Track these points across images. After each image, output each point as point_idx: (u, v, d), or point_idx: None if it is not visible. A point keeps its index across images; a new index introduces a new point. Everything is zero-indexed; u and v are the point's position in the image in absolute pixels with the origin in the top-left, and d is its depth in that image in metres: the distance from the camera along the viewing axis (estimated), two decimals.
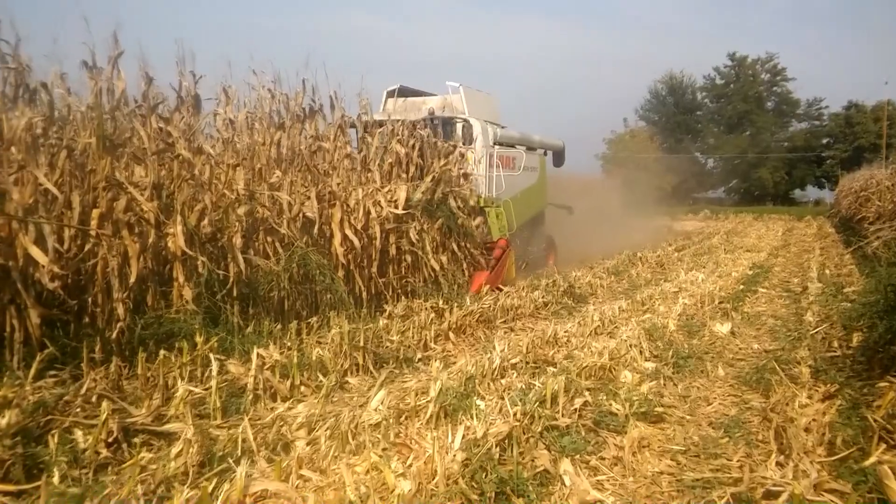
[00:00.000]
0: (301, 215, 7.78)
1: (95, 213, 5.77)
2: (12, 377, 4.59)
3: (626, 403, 4.96)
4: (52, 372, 4.90)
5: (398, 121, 10.27)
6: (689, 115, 64.97)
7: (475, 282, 10.25)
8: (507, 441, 4.04)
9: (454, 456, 3.72)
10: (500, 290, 10.13)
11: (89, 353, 5.19)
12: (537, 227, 15.32)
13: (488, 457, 3.77)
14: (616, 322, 8.22)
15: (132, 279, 5.78)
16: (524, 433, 4.22)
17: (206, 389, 5.01)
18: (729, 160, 61.01)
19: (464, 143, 11.78)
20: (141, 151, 6.31)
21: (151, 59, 6.58)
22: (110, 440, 4.14)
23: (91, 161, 5.95)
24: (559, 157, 17.16)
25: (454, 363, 6.49)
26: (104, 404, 4.25)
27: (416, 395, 4.94)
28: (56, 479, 3.66)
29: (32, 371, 4.66)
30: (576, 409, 4.76)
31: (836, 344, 6.80)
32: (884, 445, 4.11)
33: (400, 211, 8.99)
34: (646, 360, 6.37)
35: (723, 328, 8.01)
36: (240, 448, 4.15)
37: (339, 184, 8.52)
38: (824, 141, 61.78)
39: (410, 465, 3.72)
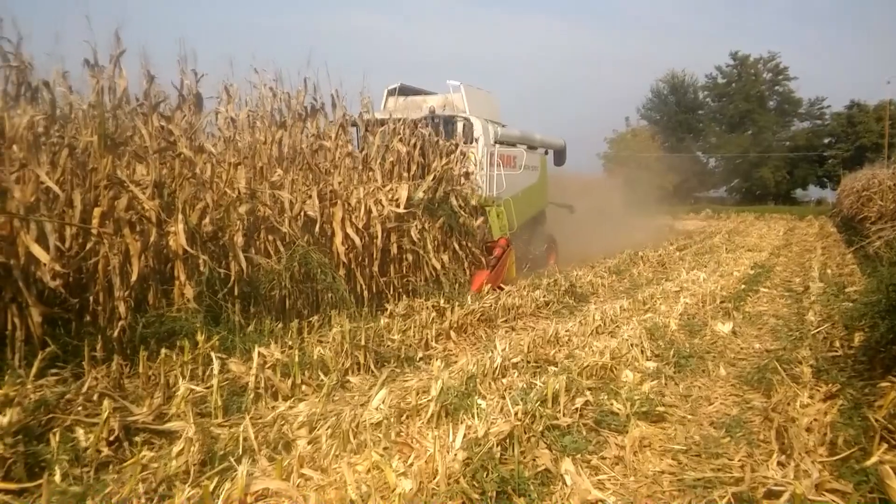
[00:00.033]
0: (302, 214, 7.78)
1: (97, 211, 5.78)
2: (14, 375, 4.60)
3: (628, 403, 4.95)
4: (54, 370, 4.90)
5: (399, 119, 10.27)
6: (690, 114, 64.90)
7: (476, 281, 10.25)
8: (508, 440, 4.03)
9: (455, 455, 3.71)
10: (502, 289, 10.13)
11: (90, 352, 5.19)
12: (538, 227, 15.31)
13: (489, 456, 3.77)
14: (617, 321, 8.22)
15: (133, 277, 5.78)
16: (525, 432, 4.21)
17: (207, 388, 5.01)
18: (731, 159, 60.96)
19: (465, 142, 11.77)
20: (142, 150, 6.31)
21: (153, 57, 6.59)
22: (111, 439, 4.14)
23: (93, 159, 5.95)
24: (560, 156, 17.14)
25: (455, 362, 6.48)
26: (105, 403, 4.25)
27: (418, 394, 4.94)
28: (57, 478, 3.67)
29: (34, 369, 4.66)
30: (577, 409, 4.75)
31: (837, 344, 6.79)
32: (885, 445, 4.11)
33: (401, 210, 8.99)
34: (647, 360, 6.36)
35: (724, 328, 8.01)
36: (241, 447, 4.15)
37: (340, 182, 8.52)
38: (826, 140, 61.71)
39: (411, 465, 3.72)
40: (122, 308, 5.71)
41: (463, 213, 10.48)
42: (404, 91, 12.69)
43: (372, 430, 4.32)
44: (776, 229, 27.68)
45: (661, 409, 5.12)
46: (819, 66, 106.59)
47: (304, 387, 5.57)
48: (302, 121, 8.76)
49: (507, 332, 8.35)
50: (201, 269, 6.34)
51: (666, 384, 5.87)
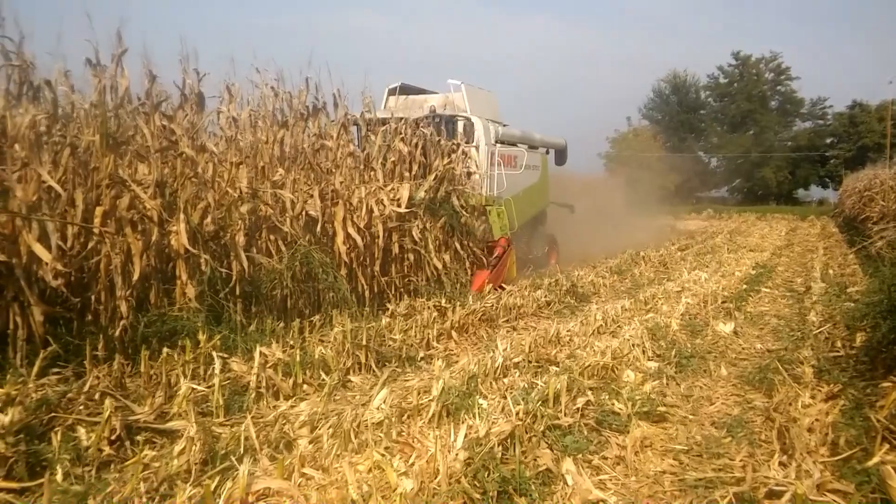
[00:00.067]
0: (304, 213, 7.79)
1: (99, 210, 5.78)
2: (15, 374, 4.61)
3: (629, 403, 4.95)
4: (55, 369, 4.91)
5: (401, 119, 10.27)
6: (692, 114, 64.82)
7: (476, 280, 10.25)
8: (509, 440, 4.03)
9: (456, 455, 3.72)
10: (503, 289, 10.13)
11: (92, 351, 5.20)
12: (539, 226, 15.30)
13: (491, 456, 3.77)
14: (619, 321, 8.21)
15: (135, 277, 5.78)
16: (526, 432, 4.21)
17: (208, 387, 5.02)
18: (732, 159, 60.88)
19: (466, 141, 11.77)
20: (144, 149, 6.31)
21: (154, 57, 6.58)
22: (113, 438, 4.15)
23: (94, 159, 5.96)
24: (561, 156, 17.12)
25: (456, 362, 6.49)
26: (107, 402, 4.26)
27: (419, 393, 4.94)
28: (59, 477, 3.68)
29: (35, 368, 4.67)
30: (578, 409, 4.75)
31: (839, 344, 6.78)
32: (887, 446, 4.11)
33: (403, 209, 8.99)
34: (648, 360, 6.36)
35: (726, 328, 8.00)
36: (242, 446, 4.15)
37: (342, 182, 8.52)
38: (828, 140, 61.61)
39: (413, 464, 3.72)
40: (123, 307, 5.72)
41: (464, 212, 10.48)
42: (405, 90, 12.68)
43: (373, 430, 4.33)
44: (778, 229, 27.64)
45: (663, 409, 5.12)
46: (820, 66, 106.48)
47: (305, 386, 5.57)
48: (304, 120, 8.76)
49: (508, 331, 8.35)
50: (203, 268, 6.35)
51: (667, 384, 5.86)
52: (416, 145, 10.22)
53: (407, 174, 9.88)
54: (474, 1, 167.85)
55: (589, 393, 5.06)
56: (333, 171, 8.64)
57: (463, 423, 4.19)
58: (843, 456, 4.09)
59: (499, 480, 3.60)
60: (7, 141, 5.37)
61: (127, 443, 4.19)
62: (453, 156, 10.77)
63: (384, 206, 8.77)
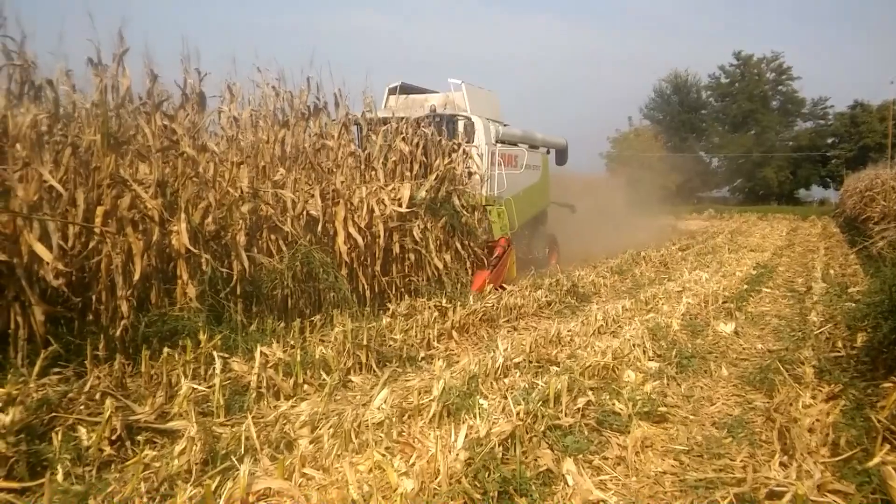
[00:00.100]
0: (305, 213, 7.79)
1: (100, 210, 5.79)
2: (16, 374, 4.61)
3: (630, 403, 4.95)
4: (56, 369, 4.91)
5: (401, 118, 10.27)
6: (693, 114, 64.79)
7: (476, 281, 10.25)
8: (510, 440, 4.03)
9: (457, 455, 3.72)
10: (503, 289, 10.13)
11: (93, 351, 5.20)
12: (540, 226, 15.29)
13: (491, 456, 3.77)
14: (619, 321, 8.21)
15: (136, 277, 5.79)
16: (527, 432, 4.21)
17: (209, 387, 5.02)
18: (733, 159, 60.85)
19: (466, 141, 11.76)
20: (145, 149, 6.31)
21: (156, 56, 6.58)
22: (114, 438, 4.15)
23: (96, 158, 5.96)
24: (562, 156, 17.11)
25: (457, 362, 6.49)
26: (108, 402, 4.26)
27: (419, 393, 4.94)
28: (60, 477, 3.68)
29: (36, 368, 4.67)
30: (579, 409, 4.75)
31: (840, 344, 6.78)
32: (888, 446, 4.10)
33: (403, 209, 8.99)
34: (649, 360, 6.35)
35: (726, 328, 8.00)
36: (243, 446, 4.16)
37: (342, 182, 8.52)
38: (829, 140, 61.57)
39: (413, 464, 3.72)
40: (124, 307, 5.72)
41: (465, 212, 10.48)
42: (405, 90, 12.67)
43: (374, 430, 4.32)
44: (779, 229, 27.62)
45: (663, 409, 5.12)
46: (822, 65, 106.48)
47: (305, 386, 5.58)
48: (305, 120, 8.76)
49: (508, 331, 8.35)
50: (204, 268, 6.35)
51: (668, 384, 5.86)
52: (417, 145, 10.22)
53: (408, 174, 9.88)
54: (476, 0, 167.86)
55: (589, 393, 5.06)
56: (334, 170, 8.64)
57: (463, 423, 4.19)
58: (843, 456, 4.09)
59: (499, 481, 3.61)
60: (8, 140, 5.37)
61: (127, 443, 4.19)
62: (454, 155, 10.77)
63: (385, 205, 8.77)
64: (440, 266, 9.59)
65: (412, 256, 9.38)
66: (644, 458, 4.35)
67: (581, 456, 4.20)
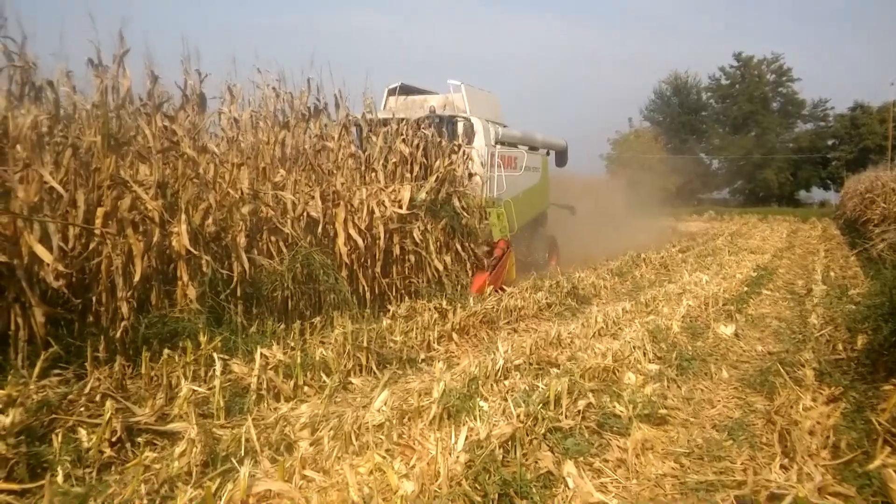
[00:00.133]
0: (305, 215, 7.79)
1: (100, 211, 5.78)
2: (16, 376, 4.60)
3: (630, 405, 4.94)
4: (56, 371, 4.90)
5: (402, 120, 10.27)
6: (693, 115, 64.85)
7: (476, 282, 10.25)
8: (510, 443, 4.03)
9: (457, 457, 3.71)
10: (503, 290, 10.13)
11: (93, 352, 5.20)
12: (539, 228, 15.28)
13: (491, 458, 3.77)
14: (619, 323, 8.20)
15: (136, 278, 5.78)
16: (527, 435, 4.21)
17: (209, 389, 5.01)
18: (734, 161, 60.91)
19: (466, 143, 11.75)
20: (146, 150, 6.31)
21: (156, 57, 6.58)
22: (114, 439, 4.15)
23: (96, 159, 5.96)
24: (562, 157, 17.12)
25: (457, 364, 6.49)
26: (108, 403, 4.26)
27: (420, 395, 4.93)
28: (60, 479, 3.67)
29: (36, 370, 4.66)
30: (579, 411, 4.75)
31: (840, 346, 6.78)
32: (888, 449, 4.10)
33: (404, 211, 8.99)
34: (649, 362, 6.35)
35: (727, 330, 8.00)
36: (243, 448, 4.15)
37: (343, 183, 8.52)
38: (830, 142, 61.64)
39: (413, 467, 3.71)
40: (124, 308, 5.72)
41: (465, 214, 10.48)
42: (405, 90, 12.67)
43: (374, 432, 4.32)
44: (779, 231, 27.63)
45: (664, 411, 5.11)
46: (822, 66, 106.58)
47: (306, 388, 5.57)
48: (305, 121, 8.76)
49: (509, 333, 8.35)
50: (204, 269, 6.34)
51: (668, 387, 5.86)
52: (418, 146, 10.22)
53: (408, 175, 9.88)
54: (476, 0, 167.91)
55: (590, 395, 5.05)
56: (335, 172, 8.64)
57: (464, 425, 4.19)
58: (844, 459, 4.09)
59: (500, 483, 3.60)
60: (9, 142, 5.37)
61: (128, 444, 4.19)
62: (454, 157, 10.77)
63: (385, 207, 8.77)
64: (440, 268, 9.59)
65: (412, 258, 9.37)
66: (644, 460, 4.35)
67: (581, 458, 4.20)
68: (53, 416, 4.25)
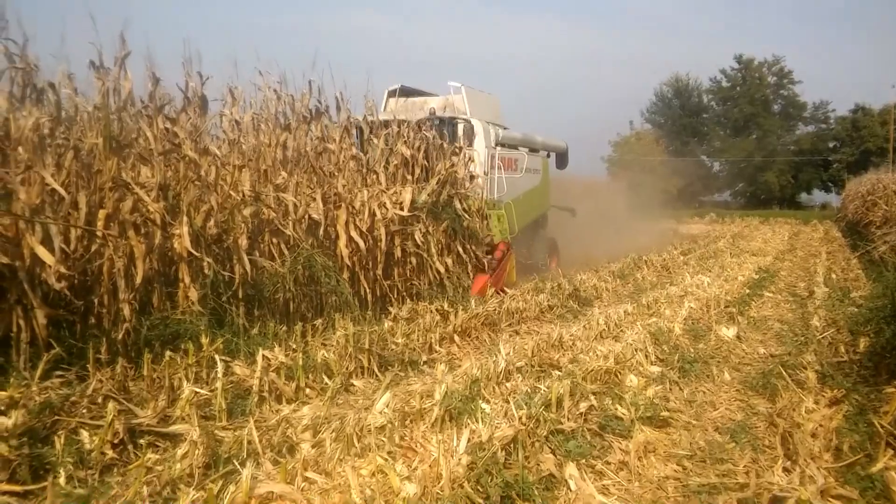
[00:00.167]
0: (306, 217, 7.79)
1: (102, 213, 5.79)
2: (19, 377, 4.61)
3: (632, 408, 4.94)
4: (59, 372, 4.90)
5: (401, 121, 10.27)
6: (695, 117, 64.85)
7: (476, 284, 10.25)
8: (512, 445, 4.03)
9: (459, 459, 3.71)
10: (505, 292, 10.12)
11: (95, 354, 5.20)
12: (540, 230, 15.28)
13: (493, 461, 3.77)
14: (621, 326, 8.19)
15: (138, 280, 5.79)
16: (529, 437, 4.20)
17: (211, 391, 5.01)
18: (735, 163, 60.88)
19: (466, 144, 11.75)
20: (147, 152, 6.32)
21: (157, 58, 6.59)
22: (116, 441, 4.15)
23: (98, 161, 5.96)
24: (562, 159, 17.12)
25: (459, 366, 6.48)
26: (110, 405, 4.26)
27: (422, 397, 4.93)
28: (62, 480, 3.68)
29: (38, 371, 4.66)
30: (581, 413, 4.74)
31: (842, 349, 6.77)
32: (891, 451, 4.09)
33: (405, 213, 8.99)
34: (651, 364, 6.34)
35: (729, 332, 7.98)
36: (245, 450, 4.15)
37: (344, 185, 8.53)
38: (831, 144, 61.60)
39: (415, 469, 3.71)
40: (126, 310, 5.72)
41: (467, 216, 10.48)
42: (405, 92, 12.67)
43: (376, 434, 4.31)
44: (781, 234, 27.61)
45: (666, 414, 5.11)
46: (823, 67, 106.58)
47: (308, 390, 5.57)
48: (306, 123, 8.77)
49: (510, 336, 8.35)
50: (206, 271, 6.35)
51: (670, 389, 5.85)
52: (419, 148, 10.22)
53: (409, 177, 9.88)
54: (476, 0, 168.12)
55: (592, 397, 5.05)
56: (336, 174, 8.64)
57: (466, 427, 4.18)
58: (847, 462, 4.08)
59: (502, 485, 3.60)
60: (10, 143, 5.38)
61: (130, 446, 4.19)
62: (455, 159, 10.77)
63: (387, 209, 8.78)
64: (442, 270, 9.59)
65: (414, 260, 9.38)
66: (647, 462, 4.34)
67: (583, 461, 4.19)
68: (55, 417, 4.25)
